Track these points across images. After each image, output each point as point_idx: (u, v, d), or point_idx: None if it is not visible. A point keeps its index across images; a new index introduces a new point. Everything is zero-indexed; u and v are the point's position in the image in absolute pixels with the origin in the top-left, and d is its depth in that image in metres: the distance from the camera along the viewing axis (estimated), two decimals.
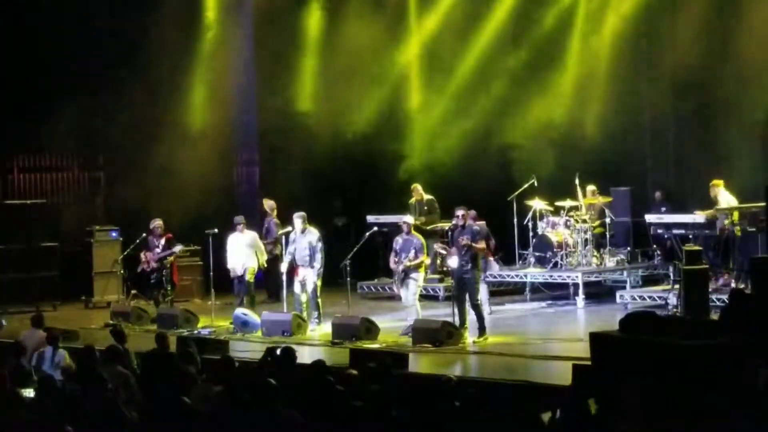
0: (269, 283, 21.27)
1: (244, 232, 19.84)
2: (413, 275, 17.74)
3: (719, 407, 10.44)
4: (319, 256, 18.39)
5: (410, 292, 17.77)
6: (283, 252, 19.34)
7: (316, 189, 23.82)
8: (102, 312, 21.21)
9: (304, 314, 18.38)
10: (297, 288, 18.64)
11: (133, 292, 21.80)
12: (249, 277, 19.74)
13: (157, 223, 20.45)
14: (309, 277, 18.44)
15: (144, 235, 20.56)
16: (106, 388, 11.47)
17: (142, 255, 20.48)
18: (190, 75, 24.41)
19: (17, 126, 23.35)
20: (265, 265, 20.46)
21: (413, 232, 18.11)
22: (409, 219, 18.54)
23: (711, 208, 19.25)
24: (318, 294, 18.51)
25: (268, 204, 21.93)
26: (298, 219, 18.74)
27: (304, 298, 18.52)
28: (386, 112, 24.17)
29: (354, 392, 10.83)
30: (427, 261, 18.47)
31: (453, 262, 16.94)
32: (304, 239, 18.53)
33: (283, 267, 18.84)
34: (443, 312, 18.40)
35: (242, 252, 19.75)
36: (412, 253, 17.66)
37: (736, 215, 18.53)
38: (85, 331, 18.57)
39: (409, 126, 24.59)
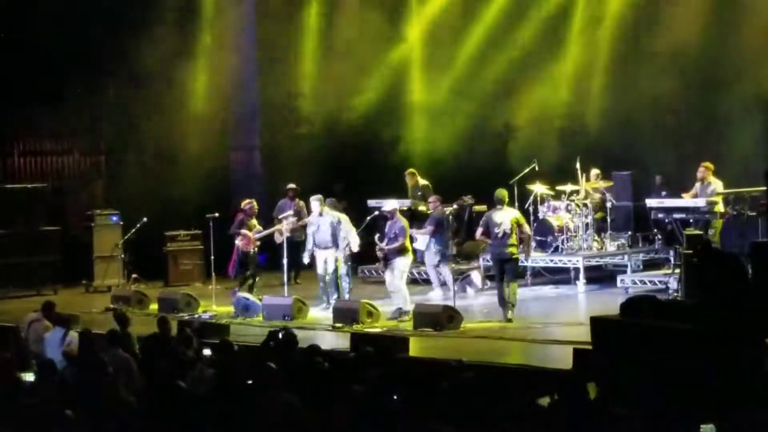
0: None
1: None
2: (395, 260, 17.57)
3: (718, 391, 10.46)
4: (341, 236, 18.34)
5: (395, 276, 17.63)
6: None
7: (316, 173, 23.77)
8: (102, 296, 21.23)
9: (334, 295, 18.33)
10: (320, 269, 18.60)
11: (134, 276, 21.82)
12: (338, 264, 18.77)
13: (254, 203, 19.92)
14: (331, 257, 18.43)
15: (241, 216, 19.60)
16: (106, 372, 11.48)
17: (239, 237, 19.57)
18: (191, 58, 24.37)
19: (18, 110, 23.33)
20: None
21: (397, 215, 17.87)
22: (394, 204, 18.18)
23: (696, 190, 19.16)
24: (338, 275, 18.50)
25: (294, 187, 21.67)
26: (315, 201, 18.63)
27: (328, 279, 18.51)
28: (387, 96, 24.10)
29: (354, 376, 10.82)
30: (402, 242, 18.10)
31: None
32: (324, 221, 18.46)
33: (306, 258, 18.76)
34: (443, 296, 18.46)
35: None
36: (396, 239, 17.51)
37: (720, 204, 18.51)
38: (85, 315, 18.55)
39: (409, 110, 24.53)
